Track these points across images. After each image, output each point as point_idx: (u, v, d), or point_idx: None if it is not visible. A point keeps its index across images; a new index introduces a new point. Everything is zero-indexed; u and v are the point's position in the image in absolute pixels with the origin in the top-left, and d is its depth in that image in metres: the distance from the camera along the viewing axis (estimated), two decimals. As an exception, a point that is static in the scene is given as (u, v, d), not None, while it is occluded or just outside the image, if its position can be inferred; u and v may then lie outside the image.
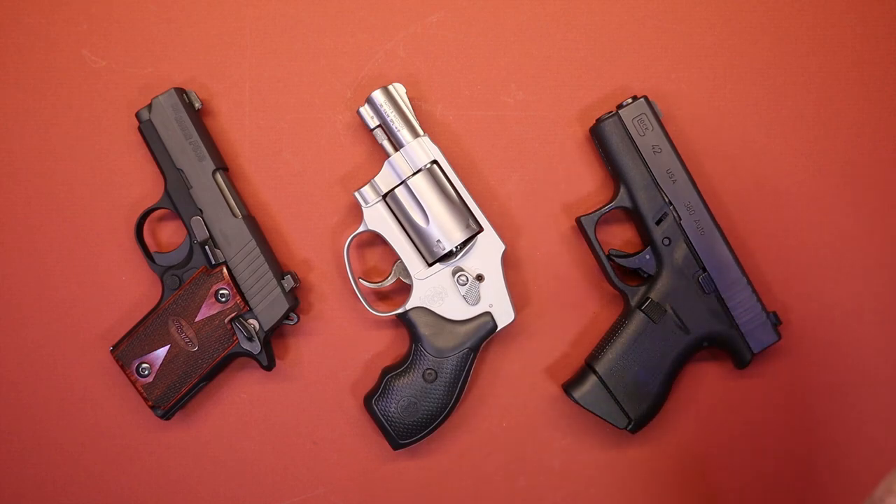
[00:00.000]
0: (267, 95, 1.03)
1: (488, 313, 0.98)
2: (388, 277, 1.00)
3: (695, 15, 1.05)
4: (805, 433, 1.04)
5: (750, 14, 1.05)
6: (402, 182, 0.96)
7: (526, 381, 1.04)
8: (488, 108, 1.04)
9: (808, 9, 1.05)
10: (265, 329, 0.97)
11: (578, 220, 1.01)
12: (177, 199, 0.97)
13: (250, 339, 0.96)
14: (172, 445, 1.03)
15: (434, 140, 1.00)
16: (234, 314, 0.97)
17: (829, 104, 1.05)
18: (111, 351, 0.97)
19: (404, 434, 0.98)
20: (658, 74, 1.04)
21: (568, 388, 0.99)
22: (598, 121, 0.99)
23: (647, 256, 0.99)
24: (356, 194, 0.98)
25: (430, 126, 1.03)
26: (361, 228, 0.98)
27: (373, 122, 0.97)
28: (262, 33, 1.03)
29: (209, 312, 0.97)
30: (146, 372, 0.96)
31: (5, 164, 1.02)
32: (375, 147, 1.02)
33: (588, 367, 0.99)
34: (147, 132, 0.97)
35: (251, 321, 0.97)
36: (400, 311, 0.99)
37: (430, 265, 0.97)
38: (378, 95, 0.96)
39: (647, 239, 1.00)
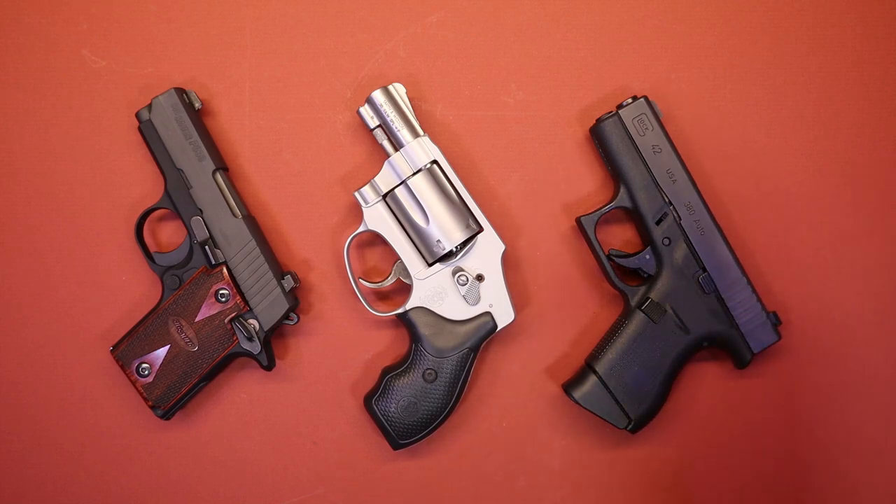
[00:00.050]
0: (267, 95, 1.03)
1: (488, 313, 0.98)
2: (388, 277, 1.00)
3: (695, 15, 1.05)
4: (805, 433, 1.04)
5: (750, 14, 1.05)
6: (402, 182, 0.96)
7: (526, 381, 1.04)
8: (488, 108, 1.04)
9: (808, 9, 1.05)
10: (265, 329, 0.97)
11: (578, 220, 1.01)
12: (177, 199, 0.97)
13: (250, 339, 0.96)
14: (172, 445, 1.03)
15: (434, 140, 1.00)
16: (234, 314, 0.97)
17: (829, 104, 1.05)
18: (111, 351, 0.97)
19: (404, 434, 0.98)
20: (658, 74, 1.04)
21: (568, 388, 0.99)
22: (598, 121, 0.99)
23: (647, 256, 0.99)
24: (356, 194, 0.98)
25: (430, 126, 1.03)
26: (361, 228, 0.98)
27: (373, 122, 0.97)
28: (262, 33, 1.03)
29: (209, 312, 0.97)
30: (146, 372, 0.96)
31: (5, 164, 1.02)
32: (375, 147, 1.02)
33: (588, 367, 0.99)
34: (147, 132, 0.97)
35: (251, 321, 0.97)
36: (400, 311, 0.99)
37: (430, 265, 0.97)
38: (378, 95, 0.96)
39: (647, 239, 1.00)
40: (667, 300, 0.98)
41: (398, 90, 0.97)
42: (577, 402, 0.98)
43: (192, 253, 0.98)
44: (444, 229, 0.96)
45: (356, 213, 1.02)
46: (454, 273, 0.97)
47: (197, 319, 0.96)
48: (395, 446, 0.99)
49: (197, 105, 0.99)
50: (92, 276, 1.02)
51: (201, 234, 0.97)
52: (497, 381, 1.04)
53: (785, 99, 1.05)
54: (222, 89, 1.03)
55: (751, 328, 0.99)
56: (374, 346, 1.03)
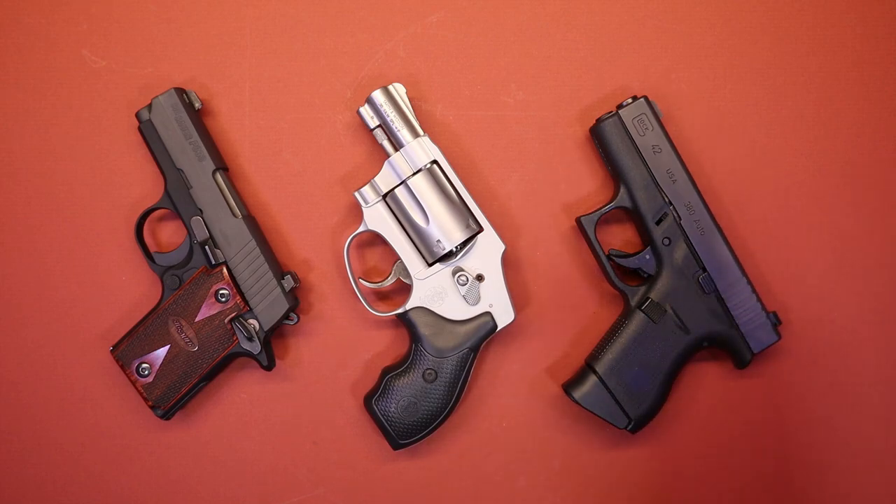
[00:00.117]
0: (267, 95, 1.03)
1: (488, 313, 0.98)
2: (388, 277, 1.00)
3: (695, 15, 1.05)
4: (805, 433, 1.04)
5: (750, 14, 1.05)
6: (402, 182, 0.96)
7: (526, 381, 1.04)
8: (488, 108, 1.04)
9: (808, 9, 1.05)
10: (265, 329, 0.97)
11: (578, 220, 1.01)
12: (177, 199, 0.97)
13: (250, 339, 0.96)
14: (172, 445, 1.03)
15: (434, 140, 1.00)
16: (234, 314, 0.97)
17: (829, 104, 1.05)
18: (111, 351, 0.97)
19: (404, 434, 0.98)
20: (658, 74, 1.04)
21: (568, 388, 0.99)
22: (598, 121, 0.99)
23: (647, 256, 0.99)
24: (356, 194, 0.98)
25: (430, 126, 1.03)
26: (361, 228, 0.98)
27: (373, 122, 0.97)
28: (262, 33, 1.03)
29: (209, 312, 0.97)
30: (146, 372, 0.96)
31: (5, 164, 1.02)
32: (375, 147, 1.02)
33: (588, 367, 0.99)
34: (147, 132, 0.97)
35: (251, 321, 0.97)
36: (400, 311, 0.99)
37: (430, 265, 0.97)
38: (378, 95, 0.96)
39: (647, 239, 1.00)
40: (667, 300, 0.98)
41: (398, 90, 0.97)
42: (577, 402, 0.98)
43: (192, 253, 0.98)
44: (444, 229, 0.96)
45: (356, 213, 1.02)
46: (454, 273, 0.97)
47: (197, 319, 0.96)
48: (395, 446, 0.99)
49: (197, 105, 0.99)
50: (92, 276, 1.02)
51: (201, 234, 0.97)
52: (497, 381, 1.04)
53: (785, 99, 1.05)
54: (222, 89, 1.03)
55: (751, 328, 0.99)
56: (374, 346, 1.03)
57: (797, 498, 1.04)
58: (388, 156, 0.97)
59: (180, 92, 0.98)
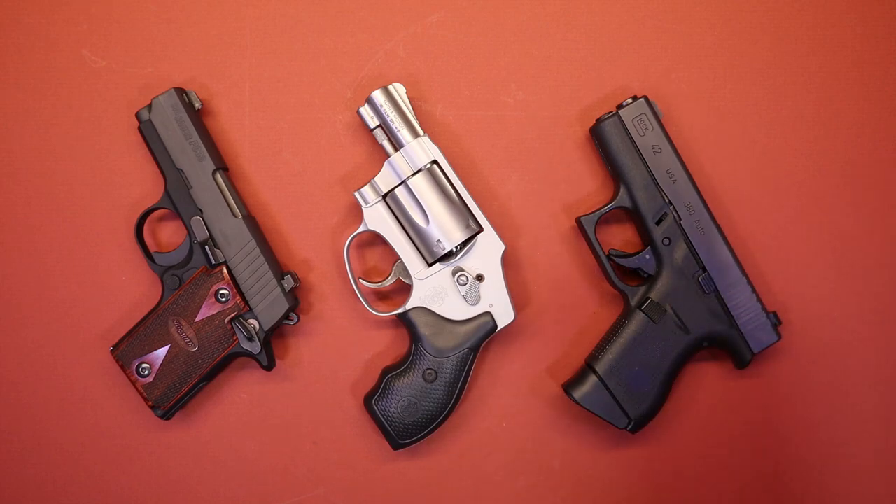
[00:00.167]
0: (267, 95, 1.03)
1: (488, 313, 0.98)
2: (388, 277, 1.00)
3: (695, 15, 1.05)
4: (805, 433, 1.04)
5: (750, 14, 1.05)
6: (402, 182, 0.96)
7: (526, 381, 1.04)
8: (488, 108, 1.04)
9: (808, 9, 1.05)
10: (265, 329, 0.97)
11: (578, 220, 1.01)
12: (177, 199, 0.97)
13: (250, 339, 0.96)
14: (172, 445, 1.03)
15: (434, 140, 1.00)
16: (234, 314, 0.97)
17: (829, 104, 1.05)
18: (111, 351, 0.97)
19: (404, 434, 0.98)
20: (658, 74, 1.04)
21: (568, 388, 0.99)
22: (598, 121, 0.99)
23: (647, 256, 0.99)
24: (356, 194, 0.98)
25: (430, 126, 1.03)
26: (361, 228, 0.98)
27: (373, 122, 0.97)
28: (262, 33, 1.03)
29: (209, 312, 0.97)
30: (146, 372, 0.96)
31: (5, 164, 1.02)
32: (375, 147, 1.02)
33: (588, 367, 0.99)
34: (147, 132, 0.97)
35: (251, 321, 0.97)
36: (400, 311, 0.99)
37: (430, 265, 0.97)
38: (378, 95, 0.96)
39: (647, 239, 1.00)
40: (667, 300, 0.98)
41: (398, 90, 0.97)
42: (577, 402, 0.98)
43: (192, 253, 0.98)
44: (444, 229, 0.96)
45: (356, 213, 1.02)
46: (454, 273, 0.97)
47: (197, 319, 0.96)
48: (395, 446, 0.99)
49: (197, 105, 0.99)
50: (92, 276, 1.02)
51: (201, 234, 0.97)
52: (497, 381, 1.04)
53: (785, 99, 1.05)
54: (222, 89, 1.03)
55: (751, 328, 0.99)
56: (374, 346, 1.03)
57: (797, 498, 1.04)
58: (388, 156, 0.97)
59: (180, 92, 0.98)
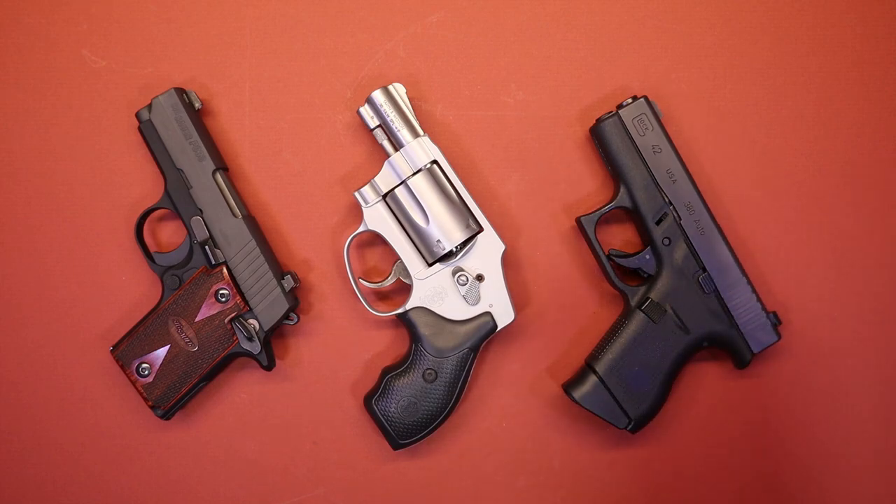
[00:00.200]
0: (267, 95, 1.03)
1: (488, 313, 0.98)
2: (388, 277, 1.00)
3: (695, 15, 1.05)
4: (805, 433, 1.04)
5: (750, 14, 1.05)
6: (402, 182, 0.96)
7: (526, 381, 1.04)
8: (488, 108, 1.04)
9: (808, 9, 1.05)
10: (265, 329, 0.97)
11: (578, 220, 1.01)
12: (177, 199, 0.97)
13: (250, 339, 0.96)
14: (172, 445, 1.03)
15: (434, 140, 1.00)
16: (234, 314, 0.97)
17: (829, 104, 1.05)
18: (111, 351, 0.97)
19: (404, 434, 0.98)
20: (658, 74, 1.04)
21: (568, 388, 0.99)
22: (598, 121, 0.99)
23: (647, 256, 0.99)
24: (356, 194, 0.98)
25: (430, 126, 1.03)
26: (361, 228, 0.98)
27: (373, 122, 0.97)
28: (262, 33, 1.03)
29: (209, 312, 0.97)
30: (146, 372, 0.96)
31: (5, 164, 1.02)
32: (375, 147, 1.02)
33: (588, 367, 0.99)
34: (147, 132, 0.97)
35: (251, 321, 0.97)
36: (400, 311, 0.99)
37: (430, 265, 0.97)
38: (378, 95, 0.96)
39: (647, 239, 1.00)
40: (667, 300, 0.98)
41: (398, 90, 0.97)
42: (577, 402, 0.98)
43: (192, 253, 0.98)
44: (444, 229, 0.96)
45: (356, 213, 1.02)
46: (454, 273, 0.97)
47: (197, 319, 0.96)
48: (395, 446, 0.99)
49: (197, 105, 0.99)
50: (92, 276, 1.02)
51: (201, 234, 0.97)
52: (497, 381, 1.04)
53: (785, 99, 1.05)
54: (222, 89, 1.03)
55: (751, 328, 0.99)
56: (374, 346, 1.03)
57: (797, 498, 1.04)
58: (388, 156, 0.97)
59: (180, 92, 0.98)
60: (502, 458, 1.04)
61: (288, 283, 0.97)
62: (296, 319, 0.99)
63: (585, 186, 1.04)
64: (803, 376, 1.04)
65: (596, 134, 1.00)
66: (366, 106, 0.97)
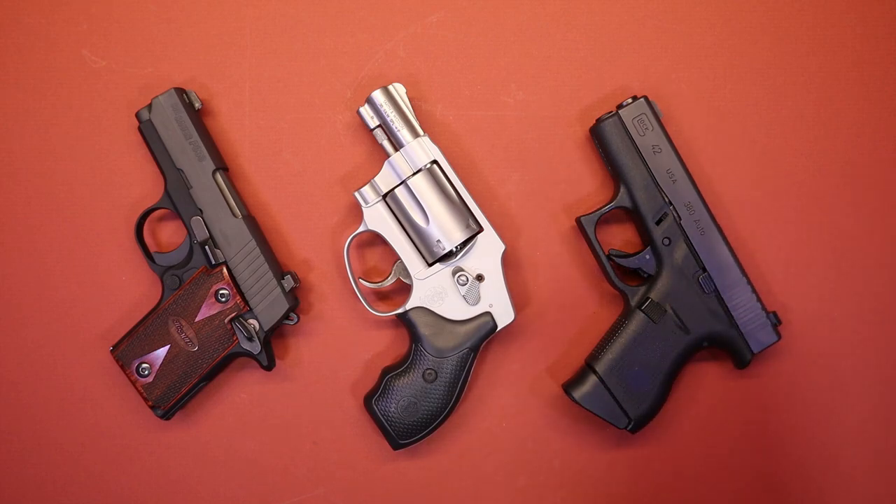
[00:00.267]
0: (267, 95, 1.03)
1: (488, 313, 0.98)
2: (388, 277, 1.00)
3: (695, 15, 1.05)
4: (805, 433, 1.04)
5: (750, 14, 1.05)
6: (402, 182, 0.96)
7: (526, 381, 1.04)
8: (488, 108, 1.04)
9: (808, 9, 1.05)
10: (265, 329, 0.97)
11: (578, 220, 1.01)
12: (177, 199, 0.97)
13: (250, 339, 0.96)
14: (172, 445, 1.03)
15: (434, 140, 1.00)
16: (234, 314, 0.97)
17: (829, 104, 1.05)
18: (111, 351, 0.97)
19: (404, 434, 0.98)
20: (658, 74, 1.04)
21: (568, 388, 0.99)
22: (598, 121, 0.99)
23: (647, 256, 0.99)
24: (356, 194, 0.98)
25: (430, 126, 1.03)
26: (361, 228, 0.98)
27: (373, 122, 0.97)
28: (262, 33, 1.03)
29: (209, 312, 0.97)
30: (146, 372, 0.96)
31: (5, 164, 1.02)
32: (375, 147, 1.02)
33: (588, 367, 0.99)
34: (147, 132, 0.97)
35: (251, 321, 0.97)
36: (400, 311, 0.99)
37: (430, 265, 0.97)
38: (378, 95, 0.96)
39: (647, 239, 1.00)
40: (667, 300, 0.98)
41: (398, 90, 0.97)
42: (577, 402, 0.98)
43: (192, 253, 0.98)
44: (444, 229, 0.96)
45: (356, 213, 1.02)
46: (454, 273, 0.97)
47: (197, 319, 0.96)
48: (395, 446, 0.99)
49: (197, 105, 0.99)
50: (92, 276, 1.02)
51: (201, 234, 0.97)
52: (497, 381, 1.04)
53: (785, 99, 1.05)
54: (222, 89, 1.03)
55: (751, 328, 0.99)
56: (374, 346, 1.03)
57: (797, 498, 1.04)
58: (388, 156, 0.97)
59: (180, 92, 0.98)
60: (502, 458, 1.04)
61: (288, 283, 0.97)
62: (296, 319, 0.99)
63: (585, 186, 1.04)
64: (803, 376, 1.04)
65: (596, 134, 1.00)
66: (366, 106, 0.97)
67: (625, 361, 0.97)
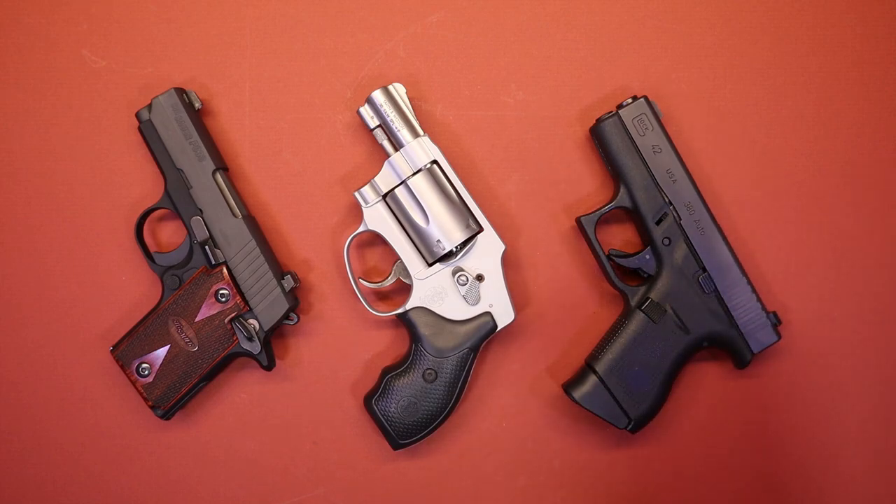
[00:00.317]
0: (267, 95, 1.03)
1: (488, 313, 0.98)
2: (388, 277, 1.00)
3: (695, 15, 1.05)
4: (805, 433, 1.04)
5: (750, 14, 1.05)
6: (402, 182, 0.96)
7: (526, 381, 1.04)
8: (488, 108, 1.04)
9: (808, 9, 1.05)
10: (265, 329, 0.97)
11: (578, 220, 1.01)
12: (177, 199, 0.97)
13: (250, 339, 0.96)
14: (172, 445, 1.03)
15: (434, 140, 1.00)
16: (234, 314, 0.97)
17: (829, 104, 1.05)
18: (111, 351, 0.97)
19: (404, 434, 0.98)
20: (658, 74, 1.04)
21: (568, 388, 0.99)
22: (598, 121, 0.99)
23: (647, 256, 0.99)
24: (356, 194, 0.98)
25: (430, 126, 1.03)
26: (361, 228, 0.98)
27: (373, 122, 0.97)
28: (262, 33, 1.03)
29: (209, 312, 0.97)
30: (146, 372, 0.96)
31: (5, 164, 1.02)
32: (375, 147, 1.02)
33: (588, 367, 0.99)
34: (147, 132, 0.97)
35: (251, 321, 0.97)
36: (400, 311, 0.99)
37: (430, 265, 0.97)
38: (378, 95, 0.96)
39: (647, 239, 1.00)
40: (667, 300, 0.98)
41: (398, 90, 0.97)
42: (577, 402, 0.98)
43: (192, 253, 0.98)
44: (444, 229, 0.96)
45: (356, 213, 1.02)
46: (454, 273, 0.97)
47: (197, 319, 0.96)
48: (395, 446, 0.99)
49: (197, 105, 0.99)
50: (92, 276, 1.02)
51: (201, 234, 0.97)
52: (497, 381, 1.04)
53: (785, 99, 1.05)
54: (222, 89, 1.03)
55: (751, 328, 0.99)
56: (374, 346, 1.03)
57: (797, 498, 1.04)
58: (388, 156, 0.97)
59: (180, 92, 0.98)
60: (502, 458, 1.04)
61: (288, 283, 0.97)
62: (296, 319, 0.99)
63: (585, 186, 1.04)
64: (803, 376, 1.04)
65: (596, 134, 1.00)
66: (366, 106, 0.97)
67: (625, 361, 0.97)
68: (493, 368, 1.04)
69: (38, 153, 1.02)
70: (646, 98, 0.98)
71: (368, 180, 0.98)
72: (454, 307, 0.98)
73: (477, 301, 0.97)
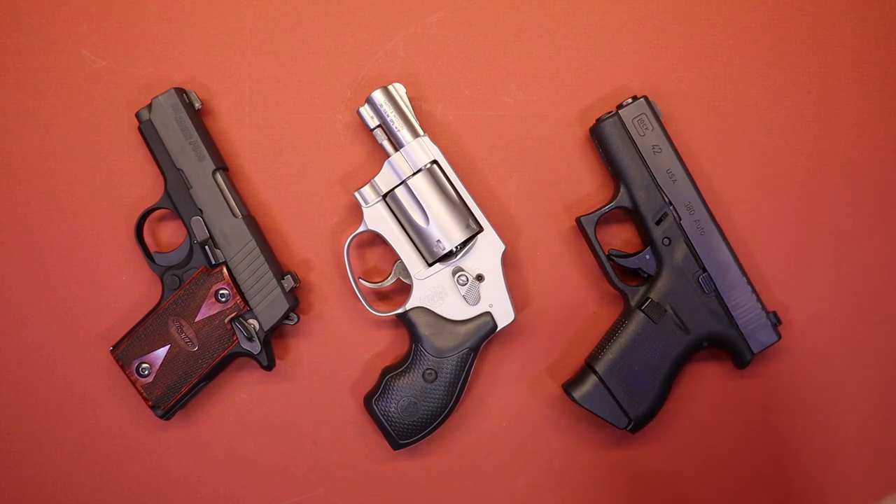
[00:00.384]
0: (267, 95, 1.03)
1: (488, 313, 0.98)
2: (388, 277, 1.00)
3: (695, 15, 1.05)
4: (805, 433, 1.04)
5: (750, 14, 1.05)
6: (402, 182, 0.96)
7: (526, 381, 1.04)
8: (488, 108, 1.04)
9: (808, 9, 1.05)
10: (265, 329, 0.97)
11: (578, 220, 1.01)
12: (177, 199, 0.97)
13: (250, 339, 0.96)
14: (172, 445, 1.03)
15: (434, 140, 1.00)
16: (234, 314, 0.97)
17: (829, 104, 1.05)
18: (111, 351, 0.97)
19: (404, 434, 0.98)
20: (658, 74, 1.04)
21: (568, 388, 0.99)
22: (598, 121, 0.99)
23: (647, 256, 0.99)
24: (356, 194, 0.98)
25: (430, 126, 1.03)
26: (361, 228, 0.98)
27: (373, 122, 0.97)
28: (262, 33, 1.03)
29: (209, 312, 0.97)
30: (146, 372, 0.96)
31: (5, 164, 1.02)
32: (375, 147, 1.02)
33: (588, 367, 0.99)
34: (147, 132, 0.97)
35: (251, 321, 0.97)
36: (400, 311, 0.99)
37: (430, 265, 0.97)
38: (378, 95, 0.96)
39: (647, 239, 1.00)
40: (667, 300, 0.98)
41: (398, 90, 0.97)
42: (577, 402, 0.98)
43: (192, 253, 0.98)
44: (444, 229, 0.96)
45: (356, 213, 1.02)
46: (454, 273, 0.97)
47: (197, 319, 0.96)
48: (395, 446, 0.99)
49: (197, 105, 0.99)
50: (92, 276, 1.02)
51: (201, 234, 0.97)
52: (497, 381, 1.04)
53: (785, 99, 1.05)
54: (222, 89, 1.03)
55: (751, 328, 0.99)
56: (374, 346, 1.03)
57: (797, 498, 1.04)
58: (388, 156, 0.97)
59: (180, 92, 0.98)
60: (502, 458, 1.04)
61: (288, 283, 0.97)
62: (296, 319, 0.99)
63: (585, 186, 1.04)
64: (803, 376, 1.04)
65: (596, 134, 1.00)
66: (366, 106, 0.97)
67: (625, 361, 0.97)
68: (493, 368, 1.04)
69: (38, 153, 1.03)
70: (646, 98, 0.98)
71: (368, 180, 0.98)
72: (454, 307, 0.98)
73: (477, 301, 0.97)
